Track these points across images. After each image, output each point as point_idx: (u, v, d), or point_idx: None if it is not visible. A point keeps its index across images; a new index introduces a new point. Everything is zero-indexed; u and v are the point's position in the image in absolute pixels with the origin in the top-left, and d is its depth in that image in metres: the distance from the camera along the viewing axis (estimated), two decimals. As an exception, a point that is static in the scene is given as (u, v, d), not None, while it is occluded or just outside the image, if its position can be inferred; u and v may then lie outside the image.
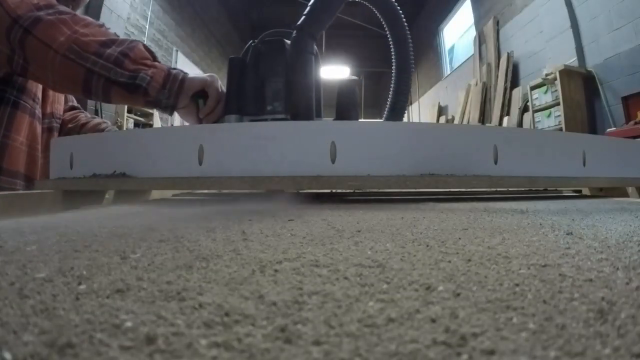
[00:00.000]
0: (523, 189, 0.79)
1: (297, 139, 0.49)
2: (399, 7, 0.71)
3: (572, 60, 2.85)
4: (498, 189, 0.79)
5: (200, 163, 0.49)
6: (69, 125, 0.85)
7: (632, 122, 2.29)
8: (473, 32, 4.62)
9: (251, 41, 0.62)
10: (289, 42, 0.59)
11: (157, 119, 3.84)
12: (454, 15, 5.33)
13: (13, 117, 0.68)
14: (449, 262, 0.20)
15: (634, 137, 1.94)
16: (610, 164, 0.62)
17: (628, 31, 2.41)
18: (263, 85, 0.57)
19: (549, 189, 0.81)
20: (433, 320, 0.13)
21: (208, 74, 0.66)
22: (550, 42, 3.10)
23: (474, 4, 4.65)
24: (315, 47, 0.59)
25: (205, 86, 0.64)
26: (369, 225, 0.33)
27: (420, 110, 6.25)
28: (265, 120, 0.57)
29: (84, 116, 0.89)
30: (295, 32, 0.56)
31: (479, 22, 4.51)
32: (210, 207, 0.50)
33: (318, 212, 0.42)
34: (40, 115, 0.74)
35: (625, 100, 2.44)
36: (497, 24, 4.02)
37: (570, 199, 0.67)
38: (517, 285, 0.16)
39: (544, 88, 3.03)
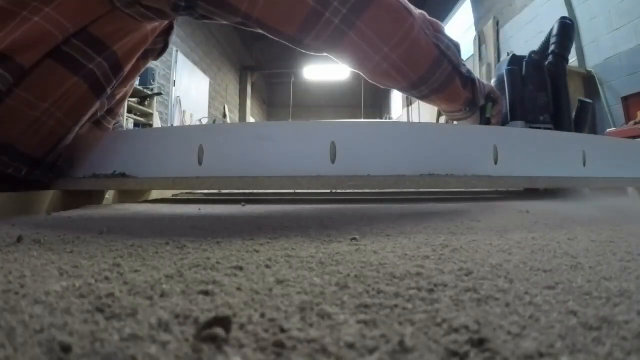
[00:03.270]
0: (523, 189, 0.79)
1: (297, 139, 0.49)
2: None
3: (572, 61, 2.85)
4: (498, 189, 0.79)
5: (200, 163, 0.49)
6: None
7: (632, 122, 2.29)
8: (473, 33, 4.62)
9: (511, 53, 0.71)
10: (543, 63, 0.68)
11: (157, 119, 3.84)
12: (454, 16, 5.33)
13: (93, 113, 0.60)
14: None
15: (634, 137, 1.94)
16: (610, 164, 0.62)
17: (628, 31, 2.41)
18: (536, 98, 0.66)
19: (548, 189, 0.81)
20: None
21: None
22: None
23: (474, 4, 4.64)
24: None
25: (492, 91, 0.63)
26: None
27: (420, 111, 6.25)
28: (537, 128, 0.64)
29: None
30: (553, 57, 0.68)
31: (478, 23, 4.51)
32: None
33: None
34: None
35: (625, 100, 2.44)
36: (497, 24, 4.02)
37: (567, 199, 0.67)
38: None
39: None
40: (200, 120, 4.65)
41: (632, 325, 0.12)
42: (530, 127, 0.65)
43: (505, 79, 0.67)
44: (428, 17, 0.50)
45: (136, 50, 0.52)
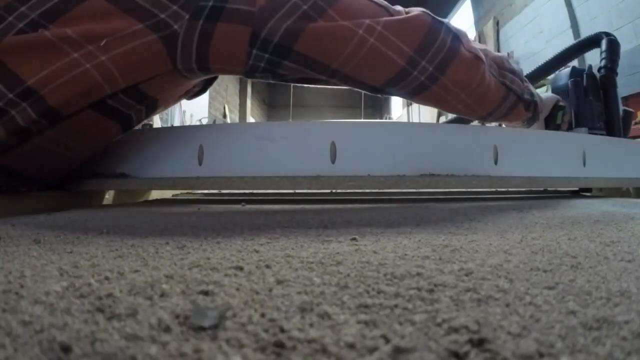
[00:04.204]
0: (523, 189, 0.79)
1: (297, 139, 0.49)
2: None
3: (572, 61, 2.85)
4: (498, 189, 0.79)
5: (200, 163, 0.49)
6: None
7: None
8: (473, 32, 4.62)
9: (574, 67, 0.77)
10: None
11: (157, 119, 3.83)
12: (454, 16, 5.33)
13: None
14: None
15: (634, 137, 1.94)
16: (610, 164, 0.62)
17: (628, 31, 2.41)
18: (594, 108, 0.72)
19: (548, 189, 0.81)
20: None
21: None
22: (550, 42, 3.10)
23: (473, 4, 4.65)
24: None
25: (559, 100, 0.69)
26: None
27: (421, 111, 6.25)
28: (597, 134, 0.69)
29: None
30: (605, 70, 0.75)
31: (478, 22, 4.51)
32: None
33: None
34: None
35: (625, 100, 2.44)
36: (497, 24, 4.02)
37: (568, 199, 0.67)
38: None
39: (544, 88, 3.03)
40: (200, 120, 4.65)
41: (632, 325, 0.12)
42: (591, 133, 0.70)
43: (571, 89, 0.74)
44: (492, 53, 0.53)
45: (177, 97, 0.52)
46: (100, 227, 0.33)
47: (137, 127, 0.52)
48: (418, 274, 0.18)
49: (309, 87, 0.54)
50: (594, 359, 0.10)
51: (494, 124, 0.72)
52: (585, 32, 2.79)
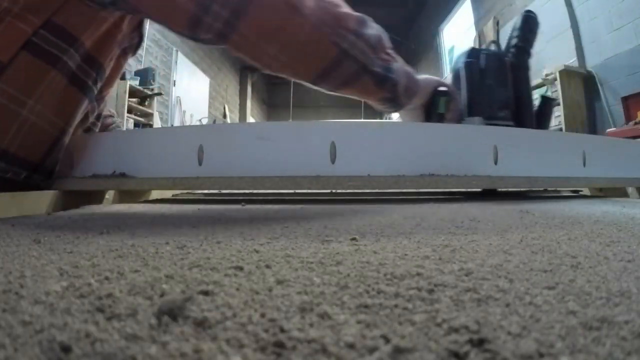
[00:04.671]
0: (523, 189, 0.79)
1: (297, 139, 0.49)
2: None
3: (572, 61, 2.85)
4: (498, 190, 0.79)
5: (200, 163, 0.49)
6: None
7: (632, 122, 2.29)
8: (473, 33, 4.62)
9: (473, 47, 0.67)
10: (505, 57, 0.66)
11: (157, 119, 3.84)
12: (454, 16, 5.33)
13: (84, 111, 0.59)
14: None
15: (634, 137, 1.94)
16: (610, 164, 0.62)
17: (628, 31, 2.41)
18: (497, 93, 0.62)
19: (548, 189, 0.81)
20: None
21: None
22: (550, 42, 3.10)
23: (474, 4, 4.65)
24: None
25: (442, 85, 0.60)
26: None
27: (420, 111, 6.24)
28: (498, 125, 0.60)
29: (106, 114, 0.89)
30: (515, 50, 0.64)
31: (478, 22, 4.51)
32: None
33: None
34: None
35: (625, 100, 2.44)
36: (497, 24, 4.02)
37: (568, 199, 0.67)
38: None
39: (544, 88, 3.03)
40: (200, 120, 4.65)
41: (632, 325, 0.12)
42: (488, 124, 0.61)
43: (463, 72, 0.63)
44: (336, 9, 0.47)
45: (107, 43, 0.53)
46: (100, 227, 0.33)
47: (116, 120, 0.56)
48: (418, 274, 0.18)
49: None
50: (594, 359, 0.10)
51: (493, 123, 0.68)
52: (585, 32, 2.80)
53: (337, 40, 0.46)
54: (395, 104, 0.55)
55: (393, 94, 0.53)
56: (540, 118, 0.67)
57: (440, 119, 0.60)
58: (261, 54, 0.46)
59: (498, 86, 0.63)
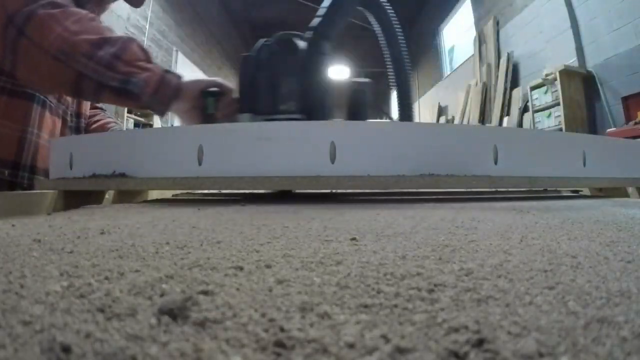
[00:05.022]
0: (523, 189, 0.79)
1: (297, 139, 0.49)
2: (394, 11, 0.71)
3: (572, 61, 2.85)
4: (498, 189, 0.79)
5: (200, 163, 0.49)
6: (92, 126, 0.85)
7: (632, 122, 2.29)
8: (473, 33, 4.62)
9: (263, 40, 0.61)
10: (301, 42, 0.59)
11: (157, 119, 3.84)
12: (454, 16, 5.33)
13: (42, 115, 0.67)
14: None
15: (634, 137, 1.94)
16: (610, 164, 0.62)
17: (628, 31, 2.41)
18: (277, 85, 0.57)
19: (548, 189, 0.81)
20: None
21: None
22: (550, 42, 3.10)
23: (474, 4, 4.65)
24: (328, 48, 0.59)
25: (215, 85, 0.62)
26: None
27: (421, 111, 6.25)
28: (279, 119, 0.56)
29: (102, 115, 0.90)
30: (310, 33, 0.57)
31: (479, 22, 4.51)
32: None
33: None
34: (65, 114, 0.74)
35: (625, 100, 2.44)
36: (497, 24, 4.02)
37: (568, 199, 0.67)
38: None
39: (544, 88, 3.03)
40: (200, 120, 4.63)
41: (632, 325, 0.12)
42: (268, 119, 0.56)
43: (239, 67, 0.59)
44: (75, 39, 0.54)
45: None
46: (100, 227, 0.33)
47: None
48: (418, 274, 0.18)
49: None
50: (594, 359, 0.10)
51: (493, 123, 0.69)
52: (585, 32, 2.80)
53: (73, 64, 0.54)
54: (153, 110, 0.60)
55: (139, 102, 0.57)
56: (354, 107, 0.62)
57: (210, 119, 0.60)
58: (32, 75, 0.58)
59: (282, 77, 0.57)
